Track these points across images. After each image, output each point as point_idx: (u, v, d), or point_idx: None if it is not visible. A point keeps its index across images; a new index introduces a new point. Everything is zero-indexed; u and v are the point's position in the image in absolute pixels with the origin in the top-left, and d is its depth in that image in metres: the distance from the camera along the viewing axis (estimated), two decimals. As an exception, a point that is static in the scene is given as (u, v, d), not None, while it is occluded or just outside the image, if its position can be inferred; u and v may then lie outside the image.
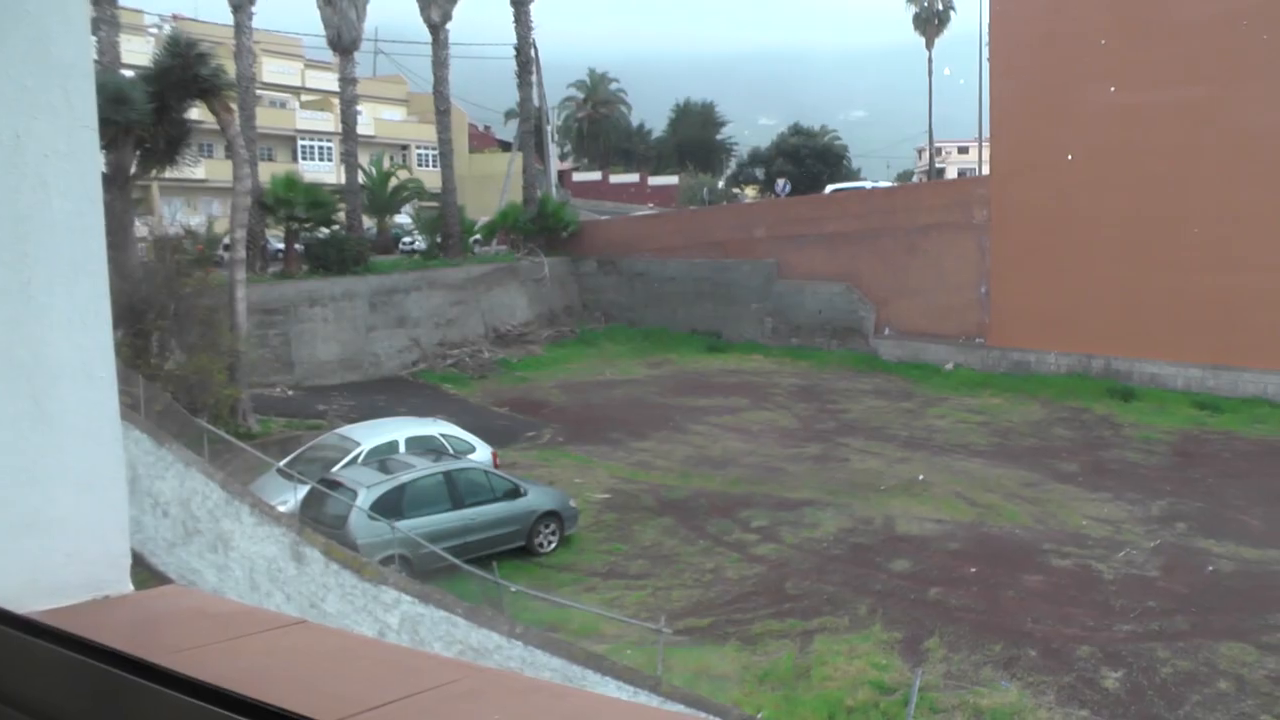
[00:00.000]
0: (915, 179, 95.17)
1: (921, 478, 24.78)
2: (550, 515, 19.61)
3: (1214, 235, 33.89)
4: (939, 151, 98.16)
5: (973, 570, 18.70)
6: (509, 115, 72.70)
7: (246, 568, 15.96)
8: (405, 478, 18.31)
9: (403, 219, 53.32)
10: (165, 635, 1.70)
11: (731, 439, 28.67)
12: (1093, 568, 19.05)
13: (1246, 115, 33.65)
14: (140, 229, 31.12)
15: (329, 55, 48.70)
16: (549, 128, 59.27)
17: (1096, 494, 24.07)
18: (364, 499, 17.31)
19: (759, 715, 13.05)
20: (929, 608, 16.82)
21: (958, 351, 39.07)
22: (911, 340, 40.19)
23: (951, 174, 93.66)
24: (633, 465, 25.76)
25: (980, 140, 63.96)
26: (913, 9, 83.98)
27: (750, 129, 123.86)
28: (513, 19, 48.49)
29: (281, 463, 20.47)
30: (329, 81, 58.34)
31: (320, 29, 40.91)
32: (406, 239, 52.56)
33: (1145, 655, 15.21)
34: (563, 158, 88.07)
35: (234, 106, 29.70)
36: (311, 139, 68.26)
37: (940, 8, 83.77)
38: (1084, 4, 36.86)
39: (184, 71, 26.32)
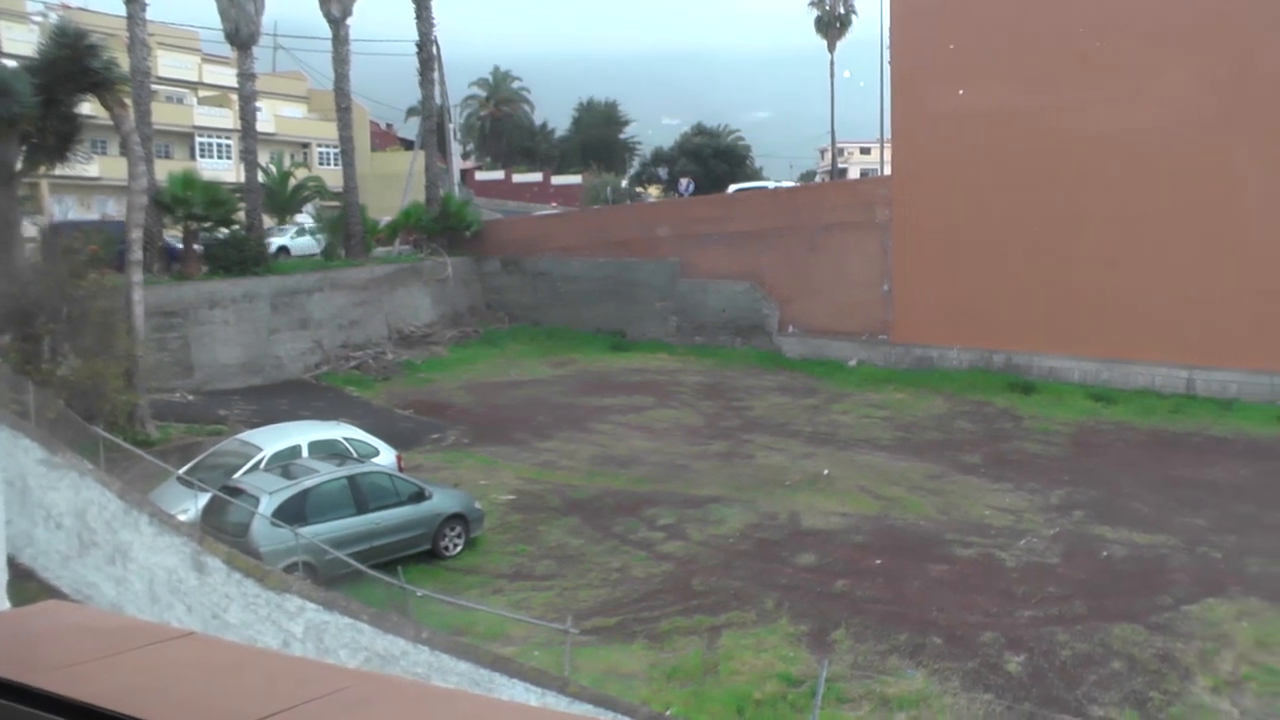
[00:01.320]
0: (818, 179, 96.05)
1: (826, 472, 25.06)
2: (456, 518, 19.45)
3: (1106, 235, 34.91)
4: (841, 152, 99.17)
5: (878, 562, 18.96)
6: (411, 113, 71.94)
7: (146, 580, 15.61)
8: (308, 483, 18.00)
9: (303, 218, 52.34)
10: (42, 653, 1.63)
11: (637, 438, 28.71)
12: (995, 556, 19.46)
13: (1137, 119, 34.63)
14: (29, 228, 30.20)
15: (227, 50, 47.47)
16: (451, 126, 58.66)
17: (998, 485, 24.59)
18: (266, 506, 17.00)
19: (667, 712, 13.08)
20: (835, 600, 17.01)
21: (861, 348, 39.60)
22: (815, 338, 40.64)
23: (854, 174, 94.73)
24: (538, 465, 25.67)
25: (882, 141, 64.84)
26: (815, 12, 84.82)
27: (654, 128, 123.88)
28: (414, 15, 47.85)
29: (182, 470, 20.06)
30: (227, 77, 56.71)
31: (218, 22, 39.85)
32: (280, 239, 47.47)
33: (1046, 639, 15.61)
34: (465, 156, 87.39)
35: (128, 101, 28.79)
36: (210, 136, 66.64)
37: (842, 12, 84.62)
38: (982, 9, 37.59)
39: (73, 63, 25.48)
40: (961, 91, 37.59)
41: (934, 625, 16.04)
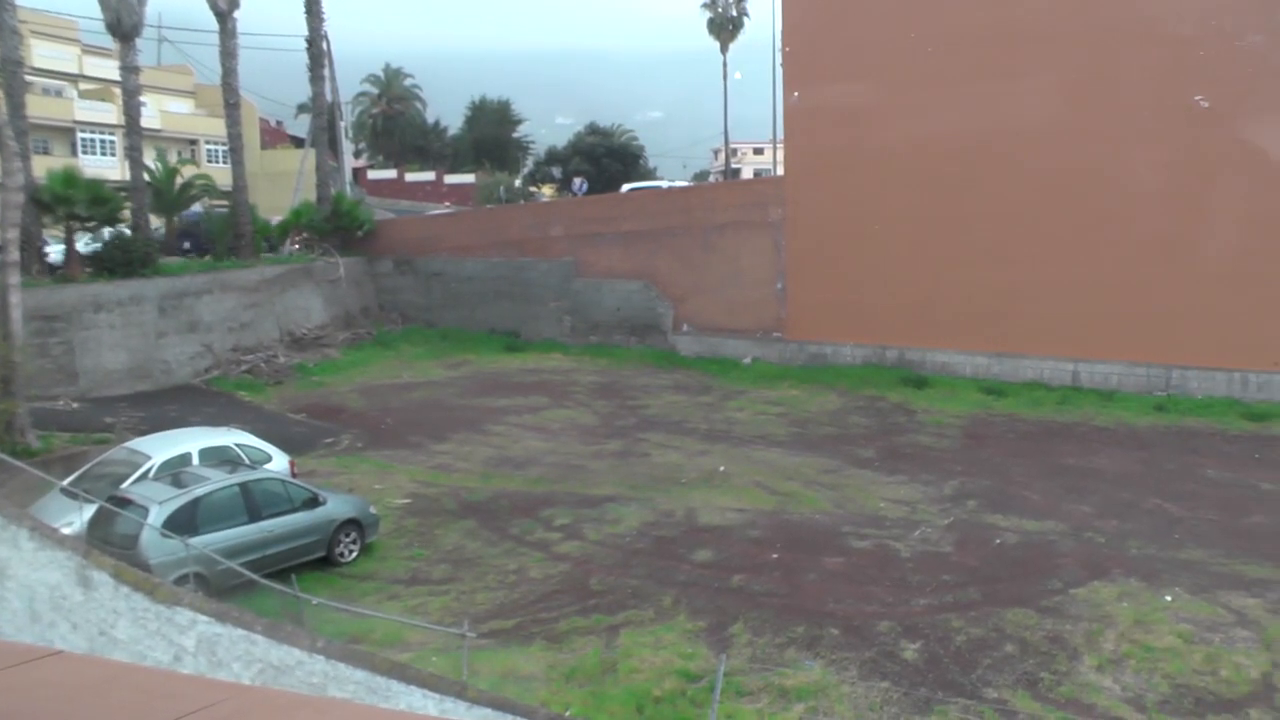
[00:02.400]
0: (711, 179, 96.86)
1: (722, 469, 25.24)
2: (351, 523, 19.17)
3: (994, 232, 35.88)
4: (735, 152, 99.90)
5: (774, 556, 19.12)
6: (301, 110, 70.94)
7: (26, 598, 15.08)
8: (199, 491, 17.56)
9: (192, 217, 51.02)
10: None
11: (532, 438, 28.62)
12: (890, 547, 19.78)
13: (1021, 119, 35.60)
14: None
15: (109, 41, 45.85)
16: (343, 124, 57.60)
17: (893, 477, 25.03)
18: (156, 516, 16.56)
19: (567, 713, 13.05)
20: (732, 595, 17.12)
21: (755, 346, 39.97)
22: (710, 336, 40.92)
23: (747, 174, 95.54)
24: (433, 468, 25.44)
25: (774, 141, 65.52)
26: (708, 14, 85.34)
27: (547, 128, 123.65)
28: (304, 10, 47.01)
29: (65, 481, 19.40)
30: (110, 70, 54.79)
31: (97, 11, 38.34)
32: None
33: (941, 626, 15.91)
34: (357, 155, 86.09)
35: (-1, 92, 27.82)
36: (92, 131, 64.63)
37: (734, 14, 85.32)
38: (872, 12, 38.19)
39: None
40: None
41: (831, 616, 16.24)
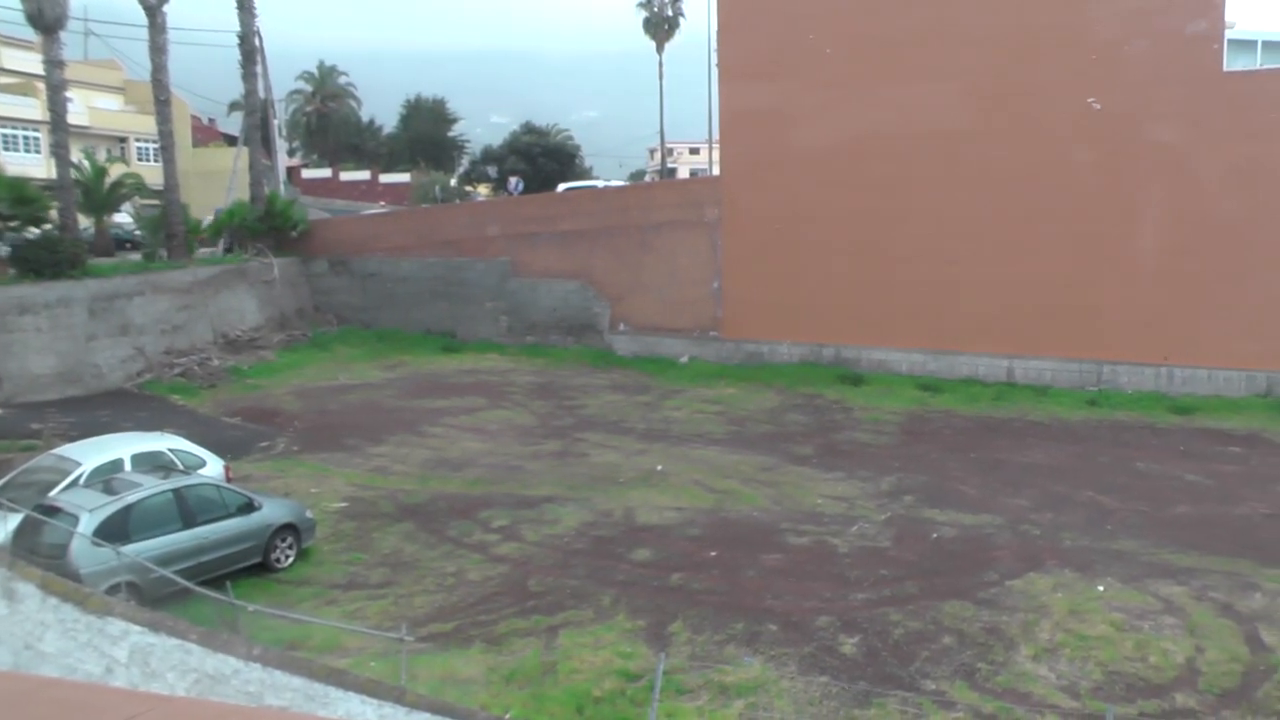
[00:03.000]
0: (648, 179, 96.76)
1: (660, 468, 25.26)
2: (287, 528, 18.87)
3: (929, 232, 36.40)
4: (671, 152, 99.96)
5: (713, 554, 19.15)
6: (234, 107, 69.71)
7: (-57, 615, 14.72)
8: (131, 498, 17.18)
9: (123, 217, 50.03)
10: None
11: (470, 439, 28.46)
12: (829, 543, 19.90)
13: (954, 120, 36.11)
14: None
15: (31, 33, 44.41)
16: (276, 121, 56.72)
17: (830, 474, 25.21)
18: (86, 524, 16.19)
19: (507, 715, 12.98)
20: (672, 594, 17.12)
21: (693, 345, 40.08)
22: (647, 335, 40.95)
23: (683, 174, 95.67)
24: (370, 471, 25.19)
25: (710, 141, 65.59)
26: (643, 14, 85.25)
27: (483, 127, 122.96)
28: (236, 5, 46.18)
29: (-12, 490, 19.02)
30: (32, 63, 53.49)
31: (17, 2, 37.08)
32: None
33: (879, 620, 16.05)
34: (291, 153, 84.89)
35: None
36: (14, 127, 62.75)
37: (670, 14, 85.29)
38: (808, 14, 38.46)
39: None
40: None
41: (770, 613, 16.29)
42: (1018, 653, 14.96)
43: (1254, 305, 33.17)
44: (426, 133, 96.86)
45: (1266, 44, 39.82)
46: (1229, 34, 34.96)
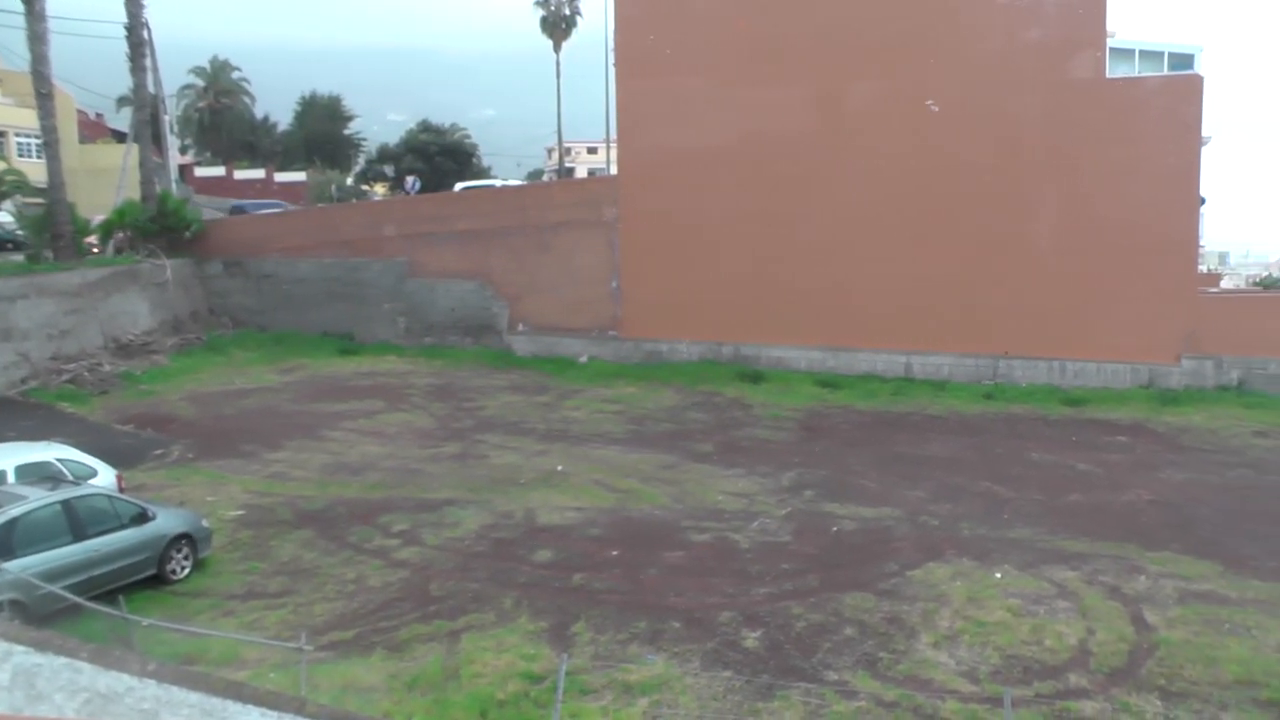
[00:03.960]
0: (545, 178, 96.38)
1: (560, 468, 25.15)
2: (182, 539, 18.29)
3: (828, 230, 36.91)
4: (568, 151, 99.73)
5: (615, 553, 19.10)
6: (122, 102, 67.84)
7: None
8: (15, 511, 16.45)
9: (3, 216, 48.13)
10: None
11: (369, 443, 28.05)
12: (730, 539, 19.98)
13: (852, 120, 36.68)
14: None
15: None
16: (167, 118, 54.95)
17: (731, 470, 25.33)
18: (-35, 539, 15.60)
19: (408, 722, 12.79)
20: (574, 594, 17.02)
21: (592, 344, 40.04)
22: (545, 335, 40.82)
23: (581, 173, 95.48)
24: (268, 477, 24.67)
25: (608, 141, 65.65)
26: (540, 12, 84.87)
27: (379, 124, 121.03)
28: (122, -7, 44.57)
29: None
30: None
31: None
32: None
33: (781, 613, 16.13)
34: (184, 151, 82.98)
35: None
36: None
37: (567, 13, 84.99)
38: (702, 12, 38.63)
39: None
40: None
41: (672, 610, 16.28)
42: (918, 641, 15.18)
43: (1137, 301, 34.43)
44: (322, 131, 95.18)
45: (1144, 52, 41.86)
46: (1110, 43, 36.34)
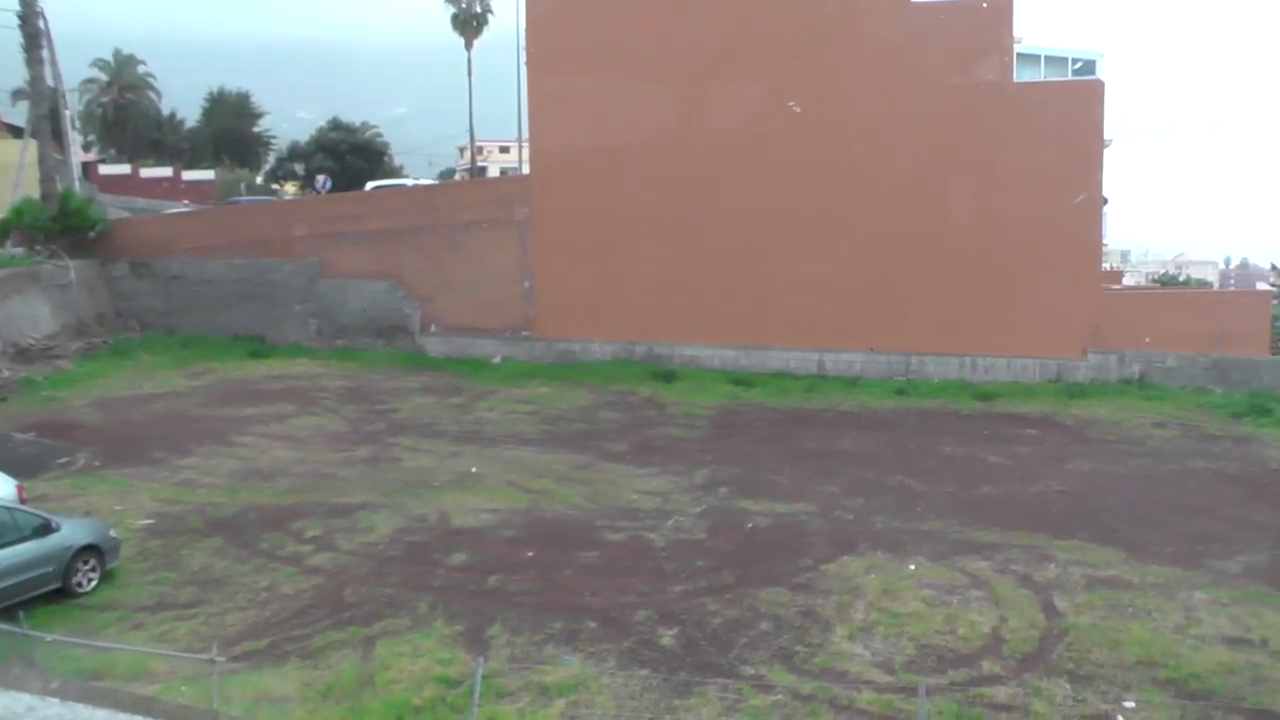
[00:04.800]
0: (458, 177, 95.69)
1: (474, 470, 25.04)
2: (89, 550, 17.74)
3: (741, 229, 37.26)
4: (481, 150, 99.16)
5: (530, 554, 19.05)
6: (18, 96, 65.69)
7: None
8: (-94, 526, 16.06)
9: None
10: None
11: (280, 448, 27.64)
12: (645, 537, 20.04)
13: (764, 120, 37.05)
14: None
15: None
16: (68, 113, 53.18)
17: (645, 469, 25.42)
18: None
19: (322, 730, 12.65)
20: (489, 596, 16.94)
21: (505, 345, 39.94)
22: (458, 336, 40.60)
23: (494, 173, 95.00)
24: (177, 485, 24.15)
25: (520, 140, 65.36)
26: (451, 9, 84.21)
27: (289, 122, 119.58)
28: (15, -21, 43.18)
29: None
30: None
31: None
32: None
33: (697, 610, 16.21)
34: (86, 148, 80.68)
35: None
36: None
37: (479, 10, 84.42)
38: (614, 11, 38.69)
39: None
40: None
41: (588, 610, 16.28)
42: (833, 634, 15.37)
43: (1045, 298, 35.33)
44: (231, 128, 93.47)
45: (1049, 58, 43.06)
46: (1017, 48, 37.23)
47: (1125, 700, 13.36)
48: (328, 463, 26.11)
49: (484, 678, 12.44)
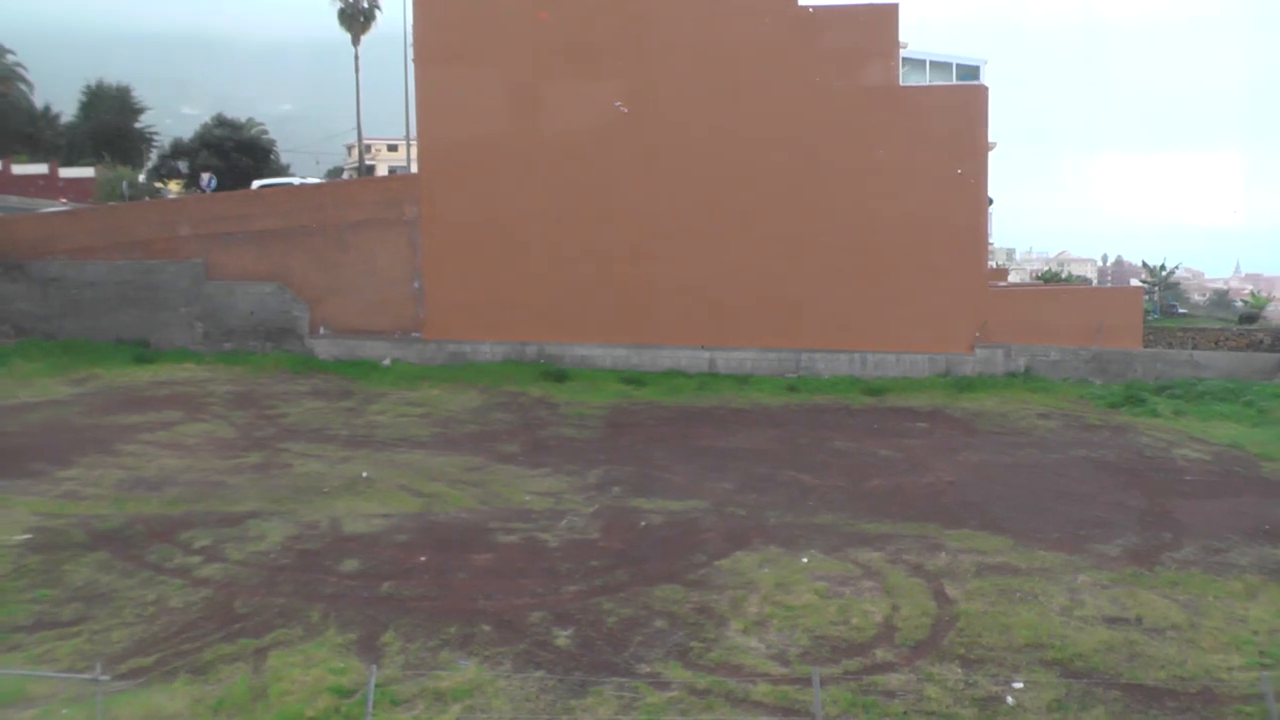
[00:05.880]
0: (346, 176, 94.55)
1: (366, 475, 24.79)
2: (-40, 568, 17.35)
3: (630, 229, 37.55)
4: (369, 149, 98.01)
5: (423, 559, 18.93)
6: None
7: None
8: None
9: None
10: None
11: (167, 456, 27.03)
12: (538, 538, 20.02)
13: (652, 121, 37.32)
14: None
15: None
16: (-69, 105, 51.56)
17: (537, 470, 25.41)
18: None
19: (212, 745, 12.45)
20: (382, 603, 16.80)
21: (395, 347, 39.65)
22: (348, 338, 40.22)
23: (382, 171, 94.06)
24: (58, 497, 23.42)
25: (408, 138, 64.87)
26: (338, 4, 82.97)
27: (173, 118, 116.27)
28: None
29: None
30: None
31: None
32: None
33: (592, 610, 16.26)
34: (-48, 143, 78.11)
35: None
36: None
37: (366, 5, 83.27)
38: (503, 7, 38.58)
39: None
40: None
41: (482, 613, 16.23)
42: (728, 628, 15.51)
43: (933, 295, 36.21)
44: (110, 123, 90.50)
45: (934, 63, 44.09)
46: (903, 53, 38.17)
47: (1014, 681, 13.76)
48: (216, 470, 25.62)
49: (378, 686, 12.39)
